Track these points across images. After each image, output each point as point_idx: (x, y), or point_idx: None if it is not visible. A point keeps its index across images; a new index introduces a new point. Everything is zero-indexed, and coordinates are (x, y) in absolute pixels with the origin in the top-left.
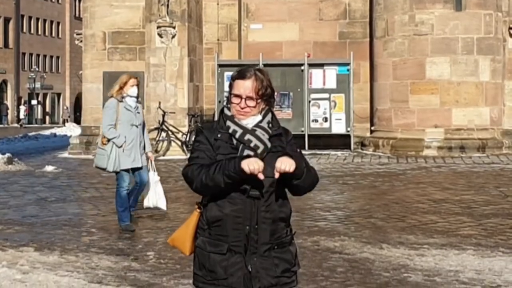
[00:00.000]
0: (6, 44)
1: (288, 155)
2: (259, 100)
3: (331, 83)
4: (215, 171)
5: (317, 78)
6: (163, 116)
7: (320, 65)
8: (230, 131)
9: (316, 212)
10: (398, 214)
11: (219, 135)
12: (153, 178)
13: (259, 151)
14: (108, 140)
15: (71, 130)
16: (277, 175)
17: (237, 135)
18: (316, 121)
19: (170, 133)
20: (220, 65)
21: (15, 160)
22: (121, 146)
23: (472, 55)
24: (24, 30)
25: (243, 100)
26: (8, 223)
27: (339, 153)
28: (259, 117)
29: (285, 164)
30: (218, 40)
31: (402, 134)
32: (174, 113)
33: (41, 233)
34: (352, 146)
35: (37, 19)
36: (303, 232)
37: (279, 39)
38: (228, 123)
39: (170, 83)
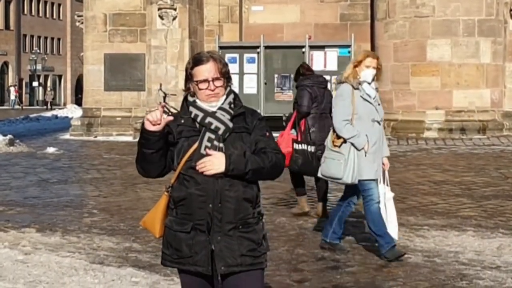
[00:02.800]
0: (7, 26)
1: (225, 154)
2: (224, 79)
3: (332, 65)
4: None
5: (318, 60)
6: (164, 98)
7: (321, 47)
8: (192, 115)
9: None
10: (399, 195)
11: (182, 121)
12: (385, 194)
13: (220, 132)
14: (344, 141)
15: (73, 112)
16: (198, 167)
17: (198, 119)
18: None
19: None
20: (221, 47)
21: (17, 142)
22: (362, 149)
23: (473, 37)
24: (25, 12)
25: (211, 82)
26: (10, 204)
27: None
28: (224, 98)
29: (204, 166)
30: (219, 22)
31: (403, 116)
32: (175, 95)
33: (42, 214)
34: None
35: (38, 1)
36: (303, 213)
37: (280, 21)
38: (191, 108)
39: (171, 65)
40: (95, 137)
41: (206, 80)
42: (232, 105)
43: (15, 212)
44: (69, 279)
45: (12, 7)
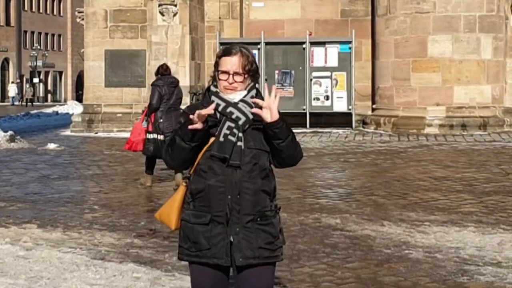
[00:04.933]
0: (7, 22)
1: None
2: (246, 76)
3: (333, 61)
4: (174, 140)
5: (318, 56)
6: None
7: (322, 43)
8: (215, 106)
9: (318, 189)
10: (399, 191)
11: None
12: None
13: (240, 122)
14: None
15: (73, 108)
16: (254, 110)
17: (220, 108)
18: (318, 99)
19: None
20: (221, 43)
21: (18, 138)
22: None
23: (474, 33)
24: (26, 8)
25: (231, 76)
26: (11, 200)
27: (340, 131)
28: (244, 92)
29: (269, 111)
30: (219, 18)
31: (404, 112)
32: None
33: (43, 210)
34: (354, 124)
35: None
36: (304, 209)
37: (280, 17)
38: (213, 98)
39: (171, 61)
40: (96, 133)
41: (227, 72)
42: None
43: (16, 208)
44: (71, 275)
45: (12, 3)
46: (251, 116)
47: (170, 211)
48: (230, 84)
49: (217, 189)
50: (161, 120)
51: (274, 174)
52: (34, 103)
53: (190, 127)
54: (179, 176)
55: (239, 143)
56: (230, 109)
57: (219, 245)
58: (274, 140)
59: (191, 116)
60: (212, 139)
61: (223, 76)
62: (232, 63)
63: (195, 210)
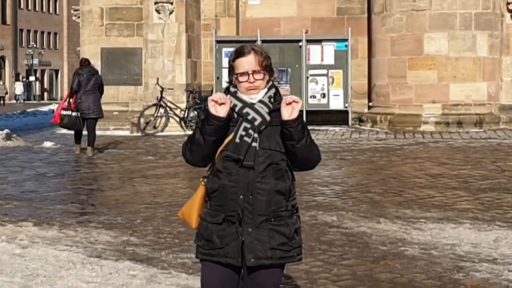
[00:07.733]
0: (3, 21)
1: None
2: (264, 72)
3: (329, 59)
4: (194, 135)
5: (315, 54)
6: (161, 92)
7: (318, 41)
8: (231, 105)
9: (314, 187)
10: (396, 188)
11: None
12: None
13: (256, 123)
14: None
15: None
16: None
17: (236, 109)
18: (314, 97)
19: (168, 109)
20: (218, 41)
21: (14, 136)
22: None
23: (470, 31)
24: (22, 6)
25: (251, 75)
26: (7, 198)
27: (337, 128)
28: (265, 91)
29: (291, 109)
30: (216, 16)
31: (400, 109)
32: (172, 89)
33: (40, 208)
34: (350, 122)
35: None
36: (301, 207)
37: (277, 15)
38: (231, 98)
39: (168, 59)
40: None
41: (246, 73)
42: (272, 99)
43: (12, 206)
44: (67, 273)
45: (8, 1)
46: (267, 117)
47: (191, 210)
48: (252, 83)
49: (230, 189)
50: (80, 101)
51: (294, 175)
52: (5, 103)
53: (212, 111)
54: (78, 147)
55: (253, 144)
56: (246, 110)
57: (231, 244)
58: (288, 140)
59: (210, 98)
60: (227, 140)
61: (242, 78)
62: (248, 62)
63: (211, 209)
